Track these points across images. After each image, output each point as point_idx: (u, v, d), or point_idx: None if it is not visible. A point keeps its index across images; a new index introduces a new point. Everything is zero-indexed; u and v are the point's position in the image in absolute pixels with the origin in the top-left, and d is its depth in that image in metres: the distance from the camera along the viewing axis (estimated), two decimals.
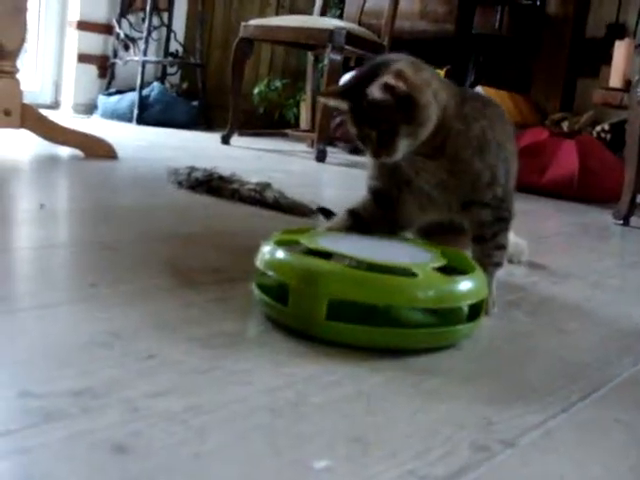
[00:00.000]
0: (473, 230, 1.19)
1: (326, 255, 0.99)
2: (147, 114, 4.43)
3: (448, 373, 0.90)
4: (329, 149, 3.54)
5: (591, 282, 1.56)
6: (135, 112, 4.41)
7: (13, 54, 2.39)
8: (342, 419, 0.73)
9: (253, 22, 3.70)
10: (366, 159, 1.21)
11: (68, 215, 1.64)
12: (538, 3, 4.39)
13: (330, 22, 3.57)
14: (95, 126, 3.98)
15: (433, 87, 1.08)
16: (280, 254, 0.99)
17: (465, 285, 0.97)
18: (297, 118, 4.78)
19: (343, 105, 1.11)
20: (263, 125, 4.54)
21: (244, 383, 0.78)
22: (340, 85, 1.17)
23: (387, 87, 1.05)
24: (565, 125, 4.01)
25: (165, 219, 1.68)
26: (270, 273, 0.99)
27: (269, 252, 1.01)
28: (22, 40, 2.40)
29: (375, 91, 1.05)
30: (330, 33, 3.36)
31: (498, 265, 1.19)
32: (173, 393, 0.73)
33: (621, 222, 2.56)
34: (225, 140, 3.71)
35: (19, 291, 1.03)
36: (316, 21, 3.67)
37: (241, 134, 3.85)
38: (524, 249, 1.62)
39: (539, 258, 1.65)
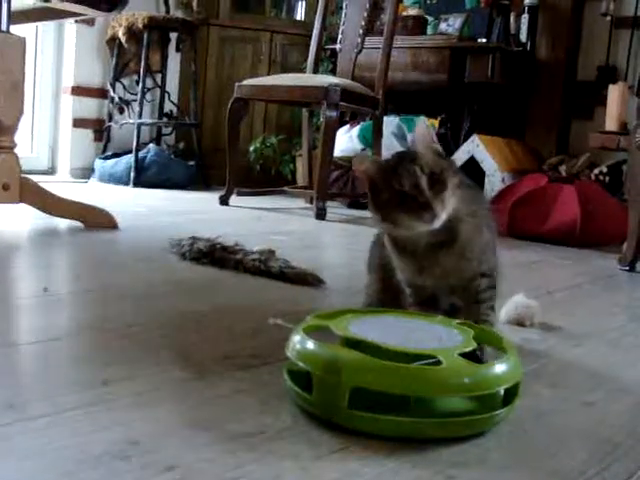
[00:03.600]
0: (469, 297, 1.26)
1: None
2: (144, 176, 4.43)
3: (478, 465, 0.87)
4: (328, 203, 3.52)
5: (608, 341, 1.54)
6: (132, 175, 4.41)
7: (11, 129, 2.39)
8: None
9: (247, 82, 3.72)
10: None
11: (73, 299, 1.61)
12: (528, 49, 4.43)
13: (324, 79, 3.58)
14: (93, 191, 3.99)
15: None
16: (306, 343, 0.99)
17: (495, 370, 0.96)
18: (294, 173, 4.79)
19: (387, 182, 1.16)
20: (260, 181, 4.54)
21: None
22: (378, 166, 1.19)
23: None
24: (563, 169, 4.01)
25: (171, 297, 1.65)
26: (299, 363, 0.98)
27: (298, 341, 1.01)
28: (19, 115, 2.40)
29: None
30: (325, 91, 3.37)
31: (492, 325, 1.25)
32: None
33: (627, 268, 2.54)
34: (224, 201, 3.70)
35: (27, 396, 0.99)
36: (310, 79, 3.69)
37: (239, 194, 3.84)
38: (537, 311, 1.60)
39: (552, 318, 1.63)
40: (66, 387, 1.03)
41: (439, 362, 0.93)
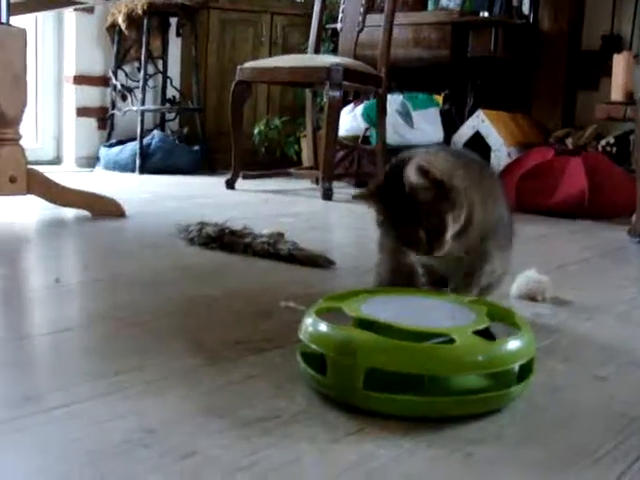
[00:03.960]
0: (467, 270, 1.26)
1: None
2: (149, 163, 4.42)
3: (495, 442, 0.87)
4: (334, 184, 3.50)
5: (620, 315, 1.53)
6: (137, 162, 4.40)
7: (15, 121, 2.38)
8: None
9: (249, 64, 3.70)
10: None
11: (82, 289, 1.62)
12: (531, 21, 4.39)
13: (326, 59, 3.56)
14: (99, 179, 3.98)
15: (459, 171, 1.12)
16: (318, 326, 0.99)
17: (508, 347, 0.96)
18: (299, 154, 4.77)
19: (379, 207, 1.15)
20: (265, 164, 4.52)
21: (288, 478, 0.75)
22: (371, 187, 1.18)
23: (421, 170, 1.06)
24: (569, 141, 3.99)
25: (180, 283, 1.66)
26: (312, 345, 0.98)
27: (310, 324, 1.01)
28: (23, 107, 2.39)
29: (411, 173, 1.05)
30: (327, 71, 3.35)
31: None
32: None
33: (637, 240, 2.53)
34: (230, 185, 3.70)
35: (43, 387, 1.00)
36: (312, 59, 3.67)
37: (245, 177, 3.83)
38: (548, 286, 1.59)
39: (563, 292, 1.62)
40: (80, 377, 1.03)
41: (453, 340, 0.93)
